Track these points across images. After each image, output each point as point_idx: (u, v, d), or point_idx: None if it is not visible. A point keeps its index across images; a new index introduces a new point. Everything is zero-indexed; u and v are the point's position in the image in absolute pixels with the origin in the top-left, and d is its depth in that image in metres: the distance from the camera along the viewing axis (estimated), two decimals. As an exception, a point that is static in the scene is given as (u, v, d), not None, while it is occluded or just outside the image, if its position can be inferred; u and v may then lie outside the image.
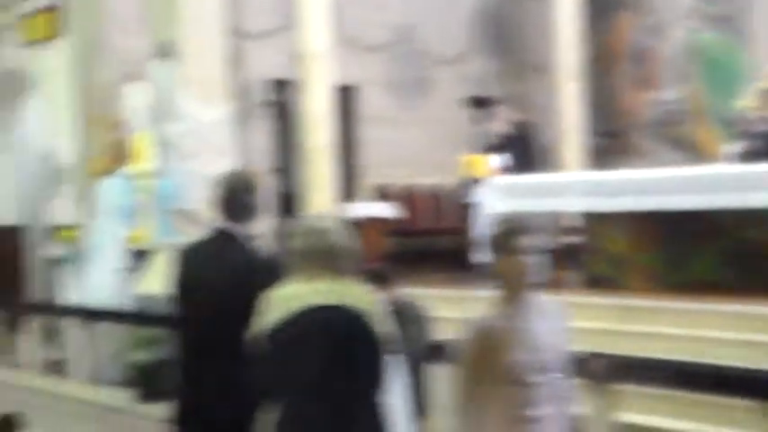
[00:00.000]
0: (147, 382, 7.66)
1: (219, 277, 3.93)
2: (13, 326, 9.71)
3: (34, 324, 9.41)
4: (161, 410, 6.85)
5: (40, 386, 8.77)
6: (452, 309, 6.41)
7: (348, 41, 10.78)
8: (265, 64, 10.28)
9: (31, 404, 7.87)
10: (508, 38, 13.16)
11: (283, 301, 3.36)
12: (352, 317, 3.32)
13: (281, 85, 9.99)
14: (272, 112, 9.65)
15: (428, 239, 11.39)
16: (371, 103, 12.04)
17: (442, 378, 4.66)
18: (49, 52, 11.38)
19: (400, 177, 11.71)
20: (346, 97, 11.40)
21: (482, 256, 8.88)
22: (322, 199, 9.33)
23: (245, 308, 3.57)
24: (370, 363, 3.34)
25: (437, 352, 4.92)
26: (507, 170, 9.49)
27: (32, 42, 11.64)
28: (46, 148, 11.53)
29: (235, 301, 3.78)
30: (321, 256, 3.36)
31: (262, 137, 10.05)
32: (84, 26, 11.02)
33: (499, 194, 8.47)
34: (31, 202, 12.16)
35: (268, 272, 3.77)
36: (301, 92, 9.61)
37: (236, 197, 3.97)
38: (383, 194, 11.50)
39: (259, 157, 9.62)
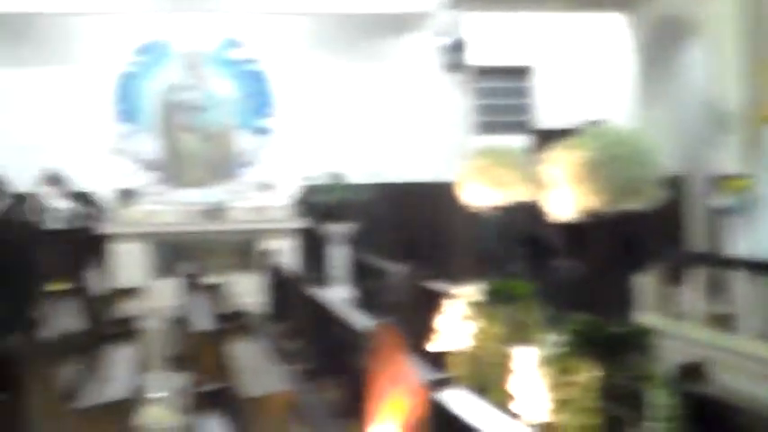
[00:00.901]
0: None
1: None
2: (676, 276, 9.61)
3: (698, 275, 9.20)
4: None
5: (704, 339, 8.54)
6: None
7: None
8: None
9: (696, 356, 7.68)
10: None
11: None
12: None
13: None
14: None
15: None
16: None
17: None
18: (715, -4, 11.02)
19: None
20: None
21: None
22: None
23: None
24: None
25: None
26: None
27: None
28: (710, 95, 11.21)
29: None
30: None
31: None
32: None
33: None
34: (694, 151, 11.98)
35: None
36: None
37: None
38: None
39: None
